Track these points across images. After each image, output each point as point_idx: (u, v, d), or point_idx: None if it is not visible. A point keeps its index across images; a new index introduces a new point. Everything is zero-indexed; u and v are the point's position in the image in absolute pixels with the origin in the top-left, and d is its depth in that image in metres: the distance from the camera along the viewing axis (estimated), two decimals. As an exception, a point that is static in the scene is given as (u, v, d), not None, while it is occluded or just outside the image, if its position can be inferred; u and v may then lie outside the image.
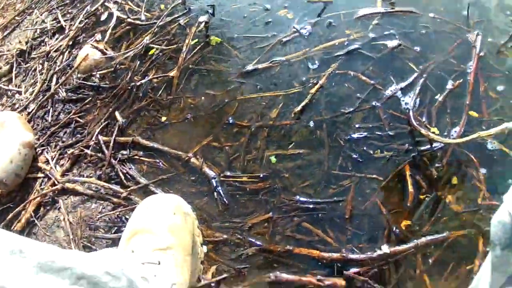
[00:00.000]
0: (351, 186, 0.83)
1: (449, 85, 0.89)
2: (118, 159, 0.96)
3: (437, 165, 0.83)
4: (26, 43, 1.61)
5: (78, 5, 1.58)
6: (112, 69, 1.16)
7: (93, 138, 1.03)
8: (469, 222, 0.78)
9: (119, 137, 0.99)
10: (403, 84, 0.90)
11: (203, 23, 1.05)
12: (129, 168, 0.94)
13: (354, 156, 0.85)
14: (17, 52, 1.59)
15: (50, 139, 1.18)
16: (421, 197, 0.80)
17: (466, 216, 0.78)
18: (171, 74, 1.01)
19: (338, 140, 0.88)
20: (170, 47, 1.11)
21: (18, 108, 1.36)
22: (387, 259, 0.78)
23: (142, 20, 1.23)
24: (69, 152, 1.07)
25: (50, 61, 1.45)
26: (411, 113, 0.86)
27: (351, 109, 0.90)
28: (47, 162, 1.12)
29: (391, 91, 0.88)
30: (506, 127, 0.78)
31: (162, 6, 1.26)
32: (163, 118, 0.97)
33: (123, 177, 0.92)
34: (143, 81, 1.06)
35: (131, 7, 1.33)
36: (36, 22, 1.73)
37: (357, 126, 0.88)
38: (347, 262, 0.79)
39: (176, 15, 1.17)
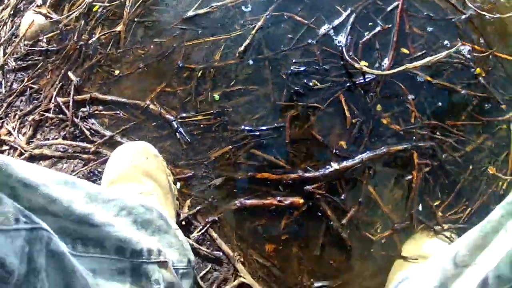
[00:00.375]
0: (296, 114, 0.92)
1: (378, 24, 0.96)
2: (79, 117, 1.00)
3: (371, 94, 0.92)
4: None
5: None
6: (58, 31, 1.16)
7: (52, 101, 1.06)
8: (405, 139, 0.89)
9: (76, 96, 1.02)
10: (335, 23, 0.96)
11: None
12: (92, 124, 0.98)
13: (296, 88, 0.93)
14: None
15: (7, 111, 1.19)
16: (353, 120, 0.90)
17: (402, 134, 0.89)
18: (118, 28, 1.03)
19: (280, 76, 0.95)
20: (112, 3, 1.12)
21: None
22: (338, 175, 0.89)
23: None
24: (29, 119, 1.10)
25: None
26: (343, 50, 0.93)
27: (289, 47, 0.96)
28: (9, 133, 1.14)
29: (324, 29, 0.95)
30: (428, 60, 0.87)
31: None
32: (116, 72, 1.00)
33: (88, 133, 0.97)
34: (91, 40, 1.07)
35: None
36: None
37: (295, 61, 0.95)
38: (303, 181, 0.89)
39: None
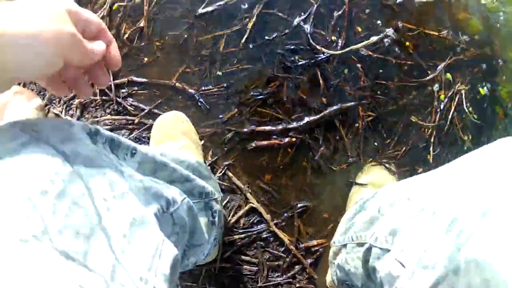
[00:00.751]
0: (285, 83, 1.27)
1: (335, 12, 1.30)
2: (120, 96, 1.31)
3: (332, 66, 1.28)
4: None
5: None
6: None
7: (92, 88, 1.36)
8: (358, 96, 1.27)
9: (115, 80, 1.33)
10: (303, 16, 1.30)
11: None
12: (132, 101, 1.31)
13: (286, 63, 1.28)
14: None
15: (50, 97, 1.48)
16: (323, 85, 1.27)
17: (352, 94, 1.27)
18: (141, 24, 1.32)
19: (271, 55, 1.29)
20: (129, 3, 1.39)
21: None
22: (314, 124, 1.26)
23: (95, -19, 1.46)
24: (75, 103, 1.40)
25: None
26: (309, 37, 1.28)
27: (276, 35, 1.29)
28: (57, 116, 1.44)
29: (296, 22, 1.28)
30: (366, 43, 1.23)
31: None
32: (145, 59, 1.31)
33: (130, 109, 1.29)
34: (120, 34, 1.36)
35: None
36: None
37: (281, 46, 1.29)
38: (290, 129, 1.27)
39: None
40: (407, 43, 1.27)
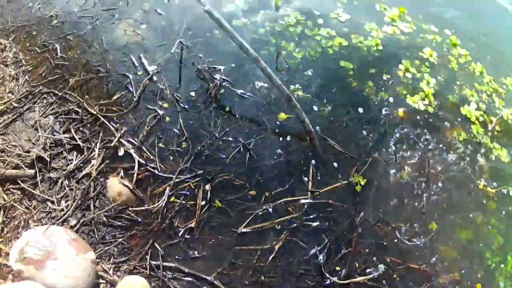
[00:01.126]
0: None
1: (343, 250, 1.81)
2: (166, 277, 1.68)
3: None
4: (44, 149, 2.06)
5: (87, 124, 2.09)
6: (144, 208, 1.81)
7: (142, 261, 1.72)
8: None
9: (164, 262, 1.70)
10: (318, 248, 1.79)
11: (208, 190, 1.77)
12: (176, 284, 1.68)
13: None
14: (37, 157, 2.04)
15: (101, 253, 1.81)
16: None
17: None
18: (192, 224, 1.74)
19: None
20: (186, 202, 1.80)
21: (55, 217, 1.90)
22: None
23: (159, 171, 1.88)
24: (124, 267, 1.74)
25: (74, 178, 1.98)
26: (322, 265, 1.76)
27: (294, 260, 1.76)
28: (105, 272, 1.76)
29: (312, 252, 1.77)
30: (367, 276, 1.74)
31: (172, 158, 1.91)
32: (196, 253, 1.71)
33: (172, 289, 1.67)
34: (173, 226, 1.76)
35: (146, 154, 1.94)
36: (47, 127, 2.14)
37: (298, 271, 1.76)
38: None
39: (187, 176, 1.85)
40: (394, 275, 1.78)
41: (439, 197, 2.00)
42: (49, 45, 2.43)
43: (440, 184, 2.06)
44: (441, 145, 2.17)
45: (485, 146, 2.22)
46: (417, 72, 2.35)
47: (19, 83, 2.41)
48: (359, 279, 1.75)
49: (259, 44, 2.28)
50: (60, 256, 1.67)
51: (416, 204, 1.97)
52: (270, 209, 1.83)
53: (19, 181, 2.02)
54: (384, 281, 1.79)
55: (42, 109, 2.27)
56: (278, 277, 1.73)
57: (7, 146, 2.14)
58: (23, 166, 2.03)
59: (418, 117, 2.21)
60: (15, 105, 2.29)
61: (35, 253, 1.65)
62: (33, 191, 1.99)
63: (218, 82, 2.02)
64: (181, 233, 1.76)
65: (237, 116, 2.01)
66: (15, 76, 2.44)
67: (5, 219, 1.95)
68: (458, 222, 1.99)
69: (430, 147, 2.15)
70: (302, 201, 1.84)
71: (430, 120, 2.21)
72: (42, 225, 1.88)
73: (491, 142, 2.25)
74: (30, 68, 2.40)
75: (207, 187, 1.80)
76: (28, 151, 2.12)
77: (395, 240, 1.86)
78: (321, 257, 1.78)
